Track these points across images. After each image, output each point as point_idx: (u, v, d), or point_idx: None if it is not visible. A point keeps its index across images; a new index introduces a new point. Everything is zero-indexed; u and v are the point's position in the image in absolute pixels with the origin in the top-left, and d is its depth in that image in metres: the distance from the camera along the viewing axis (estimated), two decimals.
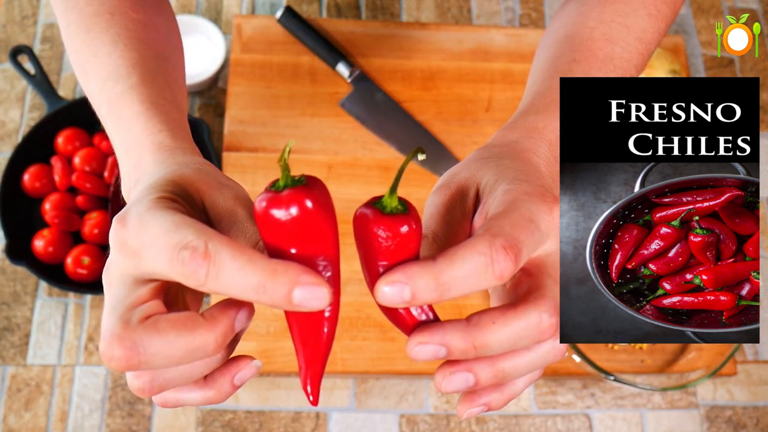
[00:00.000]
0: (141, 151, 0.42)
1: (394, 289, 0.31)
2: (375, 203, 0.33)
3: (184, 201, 0.36)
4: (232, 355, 0.36)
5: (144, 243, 0.32)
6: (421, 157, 0.32)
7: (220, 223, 0.37)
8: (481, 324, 0.32)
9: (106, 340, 0.31)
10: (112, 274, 0.34)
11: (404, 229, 0.32)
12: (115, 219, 0.34)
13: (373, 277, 0.33)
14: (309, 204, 0.30)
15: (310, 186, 0.31)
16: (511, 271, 0.32)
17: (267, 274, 0.30)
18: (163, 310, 0.33)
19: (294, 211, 0.30)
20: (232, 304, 0.33)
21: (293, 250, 0.32)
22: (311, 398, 0.35)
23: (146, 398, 0.35)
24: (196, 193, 0.37)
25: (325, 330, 0.35)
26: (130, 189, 0.42)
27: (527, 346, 0.34)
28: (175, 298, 0.37)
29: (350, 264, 0.91)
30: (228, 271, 0.30)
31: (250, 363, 0.36)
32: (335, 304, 0.34)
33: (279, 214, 0.31)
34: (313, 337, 0.34)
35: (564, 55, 0.51)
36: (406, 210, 0.32)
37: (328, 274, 0.33)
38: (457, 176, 0.40)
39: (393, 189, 0.32)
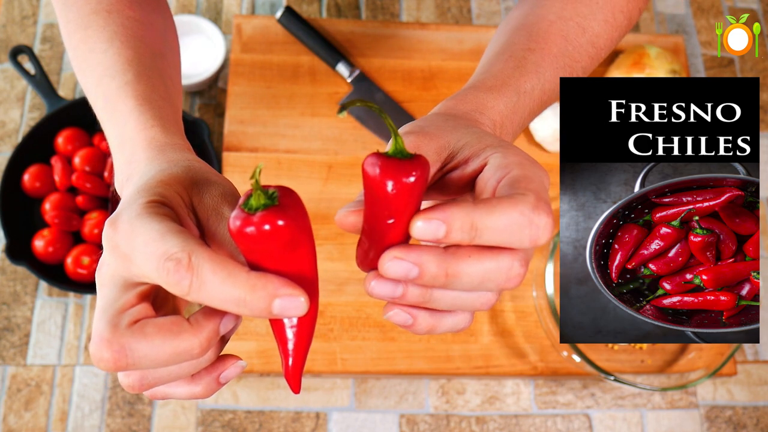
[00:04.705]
0: (133, 146, 0.43)
1: (429, 225, 0.32)
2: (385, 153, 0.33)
3: (173, 203, 0.36)
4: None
5: (134, 249, 0.33)
6: (341, 115, 0.32)
7: (207, 221, 0.37)
8: (459, 255, 0.33)
9: (95, 343, 0.32)
10: (104, 274, 0.35)
11: (409, 177, 0.32)
12: (107, 222, 0.35)
13: (374, 224, 0.34)
14: (281, 224, 0.31)
15: (282, 204, 0.32)
16: (546, 240, 0.33)
17: (247, 288, 0.31)
18: (152, 314, 0.34)
19: (266, 232, 0.31)
20: (217, 309, 0.34)
21: (270, 264, 0.33)
22: (292, 386, 0.37)
23: (137, 393, 0.36)
24: (183, 192, 0.38)
25: (305, 328, 0.36)
26: (122, 183, 0.43)
27: (491, 289, 0.35)
28: (165, 298, 0.38)
29: (350, 264, 0.91)
30: (210, 284, 0.31)
31: (235, 363, 0.37)
32: (314, 306, 0.35)
33: (252, 235, 0.31)
34: (293, 336, 0.36)
35: (521, 42, 0.52)
36: (411, 156, 0.33)
37: (305, 281, 0.34)
38: (426, 129, 0.40)
39: (395, 135, 0.32)
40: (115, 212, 0.36)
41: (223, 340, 0.36)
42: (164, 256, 0.32)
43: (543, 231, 0.32)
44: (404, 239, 0.34)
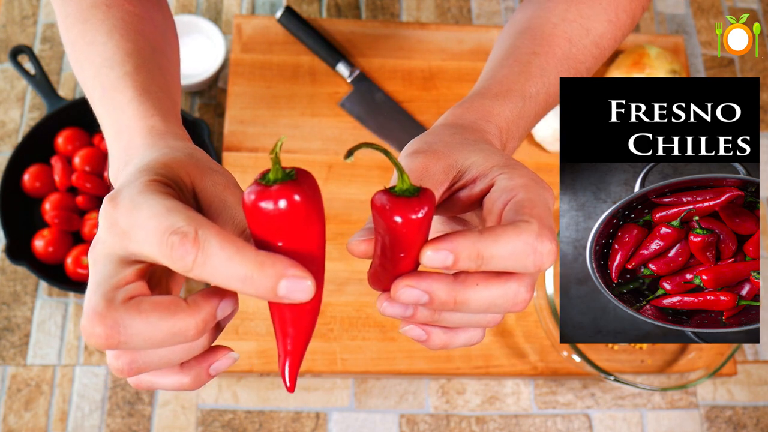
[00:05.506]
0: (132, 134, 0.42)
1: (438, 255, 0.34)
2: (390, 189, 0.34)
3: (175, 185, 0.36)
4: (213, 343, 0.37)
5: (134, 225, 0.32)
6: (349, 159, 0.33)
7: (209, 208, 0.37)
8: (467, 282, 0.35)
9: (88, 316, 0.31)
10: (99, 252, 0.34)
11: (419, 213, 0.33)
12: (106, 198, 0.34)
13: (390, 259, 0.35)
14: (297, 199, 0.31)
15: (299, 181, 0.31)
16: (550, 264, 0.34)
17: (254, 266, 0.30)
18: (147, 292, 0.33)
19: (282, 206, 0.31)
20: (216, 292, 0.34)
21: (280, 243, 0.32)
22: (288, 384, 0.36)
23: (125, 377, 0.35)
24: (186, 177, 0.37)
25: (307, 320, 0.36)
26: (118, 170, 0.42)
27: (498, 312, 0.37)
28: (158, 281, 0.37)
29: (350, 264, 0.91)
30: (216, 259, 0.30)
31: (227, 354, 0.36)
32: (318, 295, 0.35)
33: (267, 208, 0.31)
34: (294, 326, 0.36)
35: (525, 46, 0.52)
36: (417, 192, 0.34)
37: (313, 266, 0.34)
38: (434, 146, 0.41)
39: (401, 172, 0.33)
40: (114, 190, 0.35)
41: (219, 327, 0.36)
42: (169, 229, 0.31)
43: (547, 257, 0.34)
44: (414, 266, 0.35)
